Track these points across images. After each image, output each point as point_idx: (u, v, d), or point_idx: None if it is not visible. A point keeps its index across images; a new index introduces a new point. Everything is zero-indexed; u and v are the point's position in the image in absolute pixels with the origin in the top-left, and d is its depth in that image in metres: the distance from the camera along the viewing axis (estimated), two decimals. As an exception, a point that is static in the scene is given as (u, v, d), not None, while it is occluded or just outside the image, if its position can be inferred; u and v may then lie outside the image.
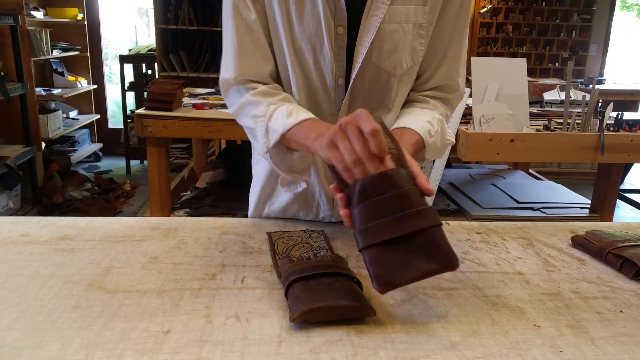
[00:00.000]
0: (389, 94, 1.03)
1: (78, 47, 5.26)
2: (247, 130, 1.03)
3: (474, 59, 2.31)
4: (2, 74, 3.66)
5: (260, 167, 1.18)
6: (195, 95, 3.00)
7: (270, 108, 0.96)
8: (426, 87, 1.09)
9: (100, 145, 5.61)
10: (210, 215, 2.55)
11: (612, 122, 2.33)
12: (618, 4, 6.44)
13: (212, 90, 3.19)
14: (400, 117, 1.05)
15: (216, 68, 4.26)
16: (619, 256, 0.95)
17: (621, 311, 0.80)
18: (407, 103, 1.10)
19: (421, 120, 0.99)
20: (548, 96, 2.84)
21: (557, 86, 2.91)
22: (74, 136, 5.18)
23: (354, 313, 0.74)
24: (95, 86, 5.54)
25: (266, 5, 0.98)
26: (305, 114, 0.93)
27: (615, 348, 0.70)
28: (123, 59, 5.03)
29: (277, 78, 1.05)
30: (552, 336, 0.72)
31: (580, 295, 0.84)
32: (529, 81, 2.46)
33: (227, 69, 1.02)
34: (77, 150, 5.17)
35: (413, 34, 0.98)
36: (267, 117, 0.96)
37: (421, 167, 1.05)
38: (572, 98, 2.51)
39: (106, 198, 4.22)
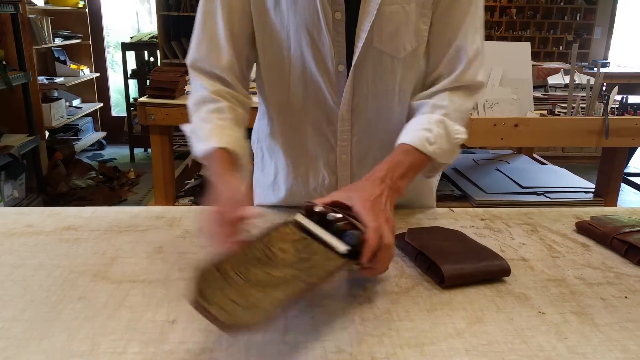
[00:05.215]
0: (392, 78, 1.00)
1: (80, 35, 5.23)
2: None
3: (477, 44, 2.28)
4: (4, 63, 3.64)
5: (261, 156, 1.18)
6: (198, 83, 2.98)
7: (195, 125, 0.97)
8: (436, 76, 1.02)
9: (103, 133, 5.61)
10: (214, 203, 2.55)
11: (617, 105, 2.31)
12: (623, -15, 6.37)
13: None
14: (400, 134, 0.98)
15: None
16: (623, 242, 0.94)
17: (626, 297, 0.80)
18: (411, 112, 1.03)
19: (416, 130, 0.94)
20: (552, 80, 2.82)
21: (561, 70, 2.88)
22: (78, 125, 5.18)
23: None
24: (98, 74, 5.52)
25: None
26: (206, 144, 0.91)
27: (620, 334, 0.70)
28: (125, 47, 5.01)
29: (239, 71, 1.02)
30: (557, 323, 0.72)
31: (585, 282, 0.84)
32: (532, 65, 2.44)
33: (189, 54, 1.03)
34: (80, 138, 5.17)
35: (417, 13, 0.95)
36: (190, 135, 0.98)
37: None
38: (577, 82, 2.50)
39: (111, 186, 4.23)
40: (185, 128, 1.00)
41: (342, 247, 0.72)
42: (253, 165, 0.98)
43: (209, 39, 1.00)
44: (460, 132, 0.98)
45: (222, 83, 1.01)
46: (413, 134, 0.94)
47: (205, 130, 0.94)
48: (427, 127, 0.94)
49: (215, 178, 0.85)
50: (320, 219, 0.76)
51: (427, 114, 0.98)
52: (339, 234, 0.74)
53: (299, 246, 0.72)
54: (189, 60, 1.02)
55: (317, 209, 0.76)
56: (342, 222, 0.75)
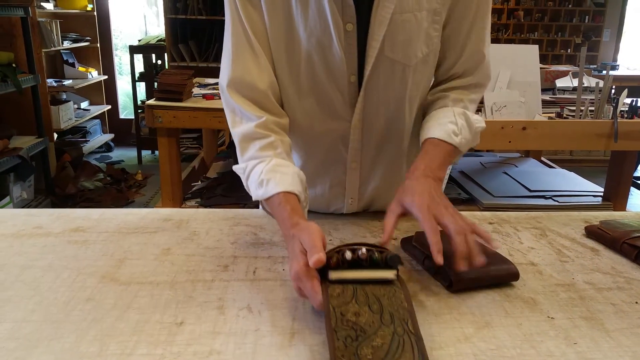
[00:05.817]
0: (404, 85, 0.99)
1: (88, 38, 5.27)
2: None
3: (485, 46, 2.28)
4: (14, 65, 3.67)
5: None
6: (205, 86, 3.00)
7: (249, 165, 0.95)
8: (449, 75, 1.04)
9: (111, 135, 5.64)
10: (221, 205, 2.56)
11: (626, 108, 2.30)
12: (632, -12, 6.33)
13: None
14: (423, 127, 1.02)
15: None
16: (633, 246, 0.94)
17: (636, 302, 0.79)
18: (428, 106, 1.06)
19: (442, 124, 0.97)
20: (560, 83, 2.81)
21: (570, 73, 2.87)
22: (86, 127, 5.22)
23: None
24: (106, 77, 5.56)
25: (267, 9, 0.94)
26: (274, 188, 0.88)
27: (630, 340, 0.69)
28: (133, 49, 5.04)
29: (276, 86, 1.00)
30: (566, 328, 0.72)
31: (595, 286, 0.84)
32: (540, 68, 2.43)
33: (223, 74, 0.99)
34: (88, 140, 5.20)
35: (428, 20, 0.94)
36: (245, 176, 0.96)
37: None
38: (585, 85, 2.48)
39: (118, 188, 4.25)
40: (237, 168, 0.98)
41: (390, 274, 0.74)
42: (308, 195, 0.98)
43: (245, 57, 0.96)
44: (479, 121, 1.03)
45: (263, 108, 0.97)
46: (440, 127, 0.97)
47: (261, 172, 0.91)
48: (452, 120, 0.98)
49: (287, 225, 0.82)
50: (351, 262, 0.74)
51: (448, 107, 1.02)
52: (376, 264, 0.74)
53: (361, 299, 0.70)
54: (223, 80, 0.98)
55: (348, 255, 0.74)
56: (376, 254, 0.74)
